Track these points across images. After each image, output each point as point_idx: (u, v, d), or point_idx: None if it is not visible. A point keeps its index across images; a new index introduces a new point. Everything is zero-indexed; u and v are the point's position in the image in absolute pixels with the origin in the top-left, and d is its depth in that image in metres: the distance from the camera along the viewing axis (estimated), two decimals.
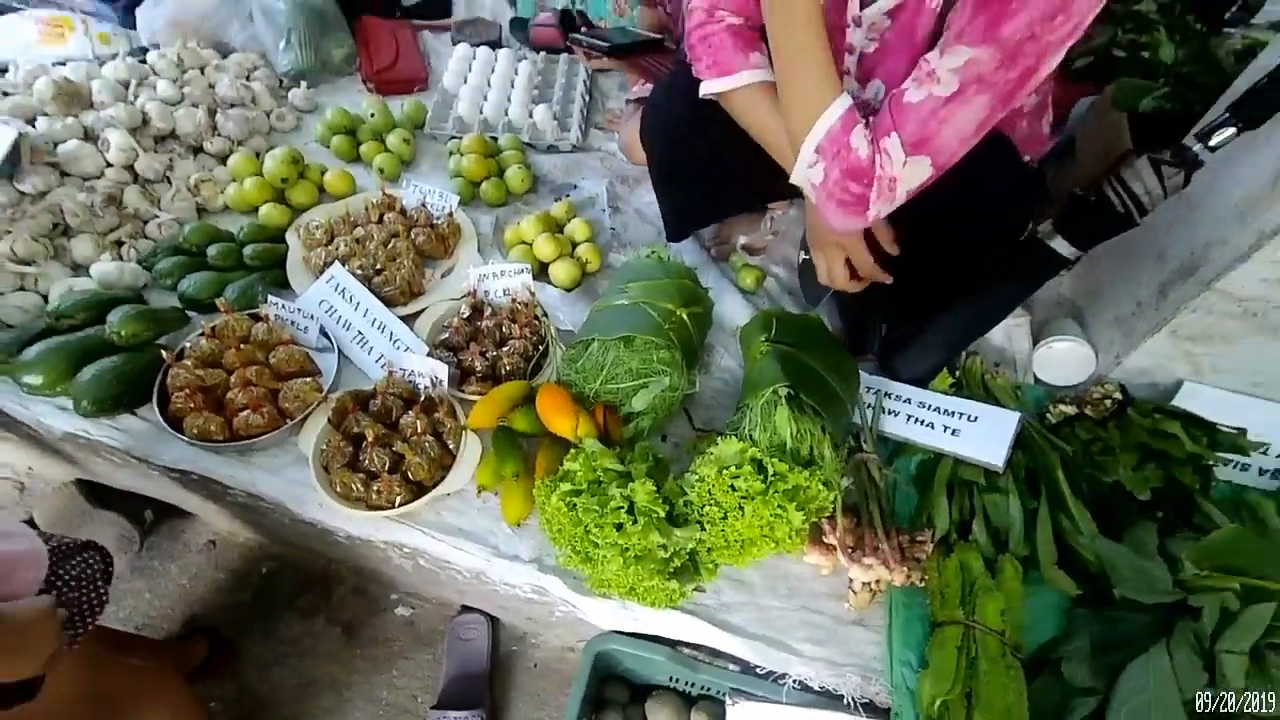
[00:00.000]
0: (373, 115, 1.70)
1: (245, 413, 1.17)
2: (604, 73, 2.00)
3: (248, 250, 1.41)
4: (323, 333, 1.31)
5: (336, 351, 1.29)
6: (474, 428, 1.19)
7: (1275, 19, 1.51)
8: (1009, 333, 1.33)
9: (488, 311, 1.35)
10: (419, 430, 1.16)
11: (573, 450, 1.07)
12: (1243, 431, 1.02)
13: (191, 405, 1.17)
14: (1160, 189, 0.96)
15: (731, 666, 1.14)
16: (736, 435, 1.09)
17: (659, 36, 1.30)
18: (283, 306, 1.31)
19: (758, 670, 1.04)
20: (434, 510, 1.15)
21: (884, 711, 0.99)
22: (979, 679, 0.90)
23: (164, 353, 1.18)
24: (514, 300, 1.37)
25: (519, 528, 1.13)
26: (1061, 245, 1.06)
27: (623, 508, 0.97)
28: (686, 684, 1.21)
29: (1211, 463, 1.03)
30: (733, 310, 1.44)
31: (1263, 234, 0.90)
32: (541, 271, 1.50)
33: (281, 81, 1.84)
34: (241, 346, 1.24)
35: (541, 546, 1.11)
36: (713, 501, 1.00)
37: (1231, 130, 0.90)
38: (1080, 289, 1.35)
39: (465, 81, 1.85)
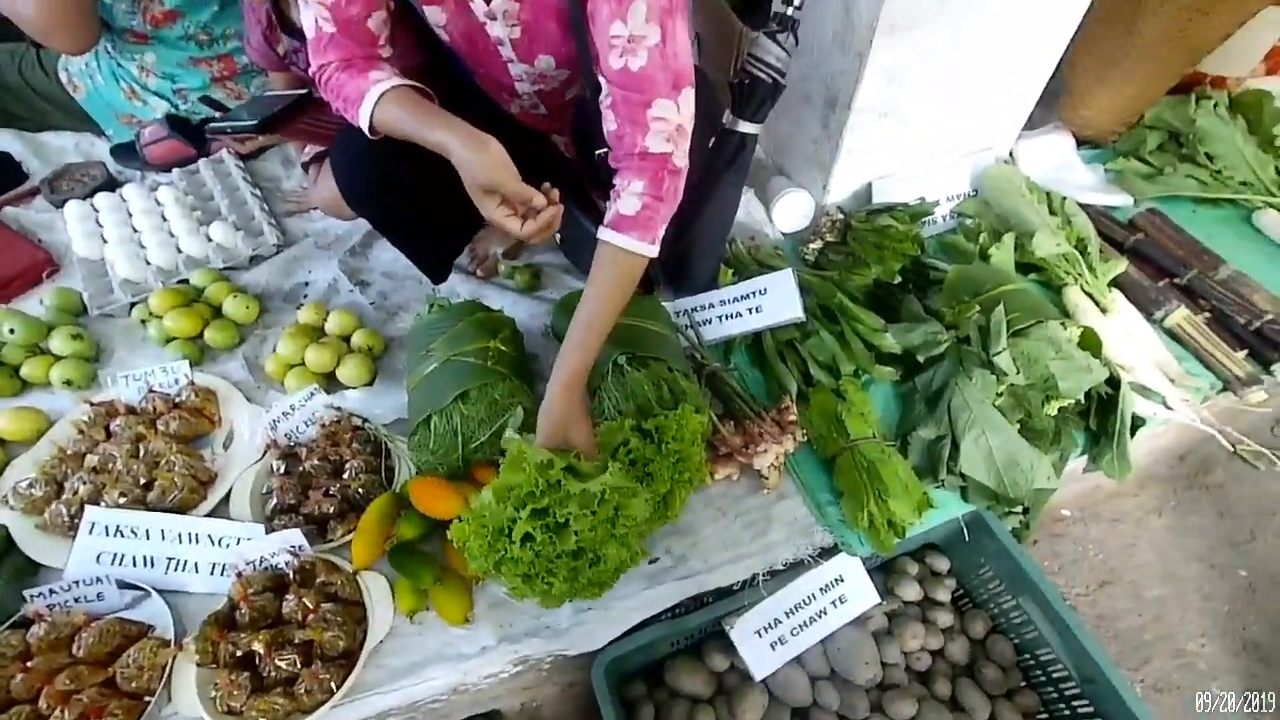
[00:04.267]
0: (11, 331, 1.36)
1: None
2: (255, 157, 1.80)
3: None
4: (122, 585, 1.09)
5: (155, 594, 1.08)
6: (364, 567, 1.10)
7: None
8: (744, 208, 1.54)
9: (303, 453, 1.22)
10: (311, 607, 1.04)
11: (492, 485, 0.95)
12: (923, 199, 1.34)
13: None
14: (784, 52, 1.17)
15: (710, 599, 1.24)
16: (605, 416, 1.15)
17: (304, 91, 1.21)
18: (50, 592, 1.05)
19: (734, 587, 1.15)
20: (377, 665, 1.06)
21: (834, 547, 1.16)
22: (877, 478, 1.10)
23: None
24: (323, 425, 1.25)
25: (469, 623, 1.09)
26: (746, 126, 1.25)
27: (610, 499, 0.92)
28: (686, 640, 1.29)
29: (919, 230, 1.34)
30: (531, 312, 1.46)
31: (860, 56, 1.16)
32: (329, 381, 1.37)
33: None
34: (28, 665, 0.99)
35: (500, 620, 1.09)
36: (618, 486, 1.06)
37: None
38: (772, 149, 1.60)
39: (105, 241, 1.55)
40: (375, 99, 0.93)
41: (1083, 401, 1.16)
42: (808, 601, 1.13)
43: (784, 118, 1.39)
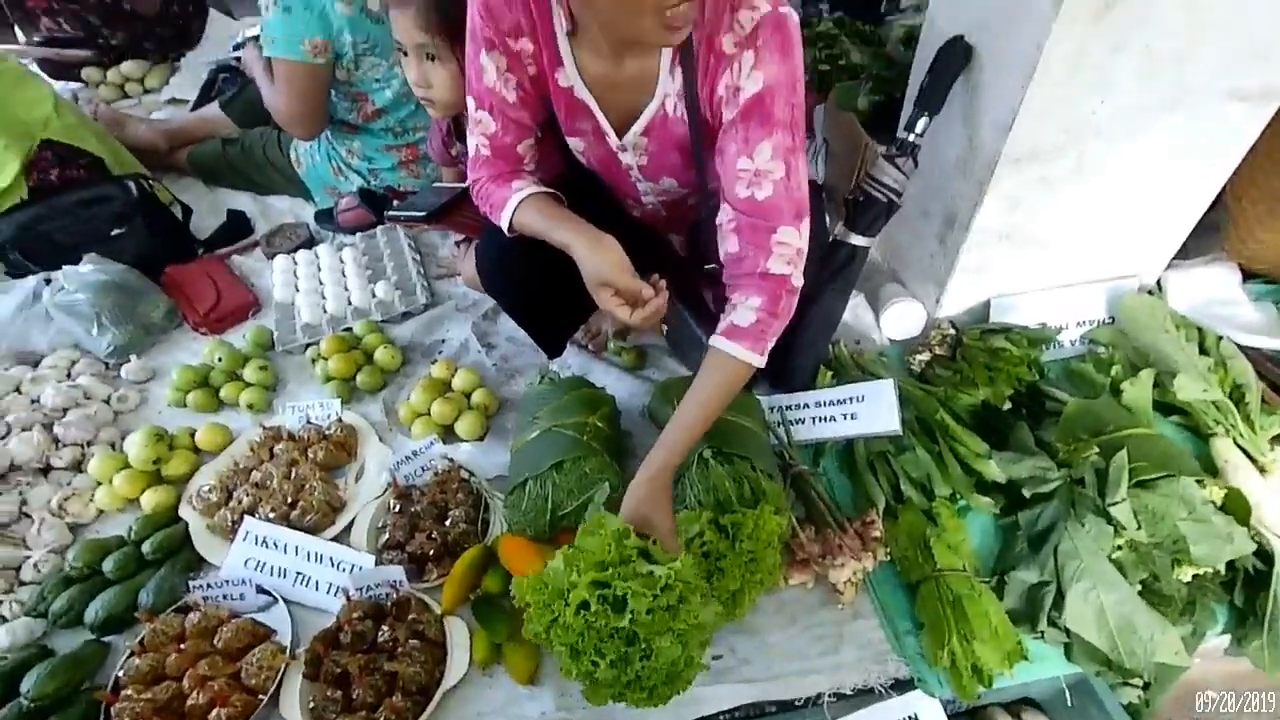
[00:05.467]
0: (219, 359, 1.68)
1: (214, 712, 1.10)
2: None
3: (146, 547, 1.33)
4: (260, 590, 1.27)
5: (282, 602, 1.25)
6: (451, 611, 1.20)
7: (914, 2, 1.93)
8: (853, 311, 1.54)
9: (416, 495, 1.37)
10: (401, 640, 1.15)
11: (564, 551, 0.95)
12: (1044, 326, 1.27)
13: None
14: (902, 175, 1.20)
15: (771, 708, 1.20)
16: (685, 505, 1.19)
17: (465, 185, 1.42)
18: (208, 586, 1.26)
19: (795, 703, 1.11)
20: (447, 707, 1.14)
21: (909, 681, 1.09)
22: (963, 616, 1.03)
23: (99, 694, 1.10)
24: (436, 473, 1.40)
25: (533, 685, 1.15)
26: (857, 239, 1.28)
27: (675, 587, 0.88)
28: None
29: (1037, 355, 1.27)
30: (632, 390, 1.55)
31: (981, 181, 1.16)
32: (447, 433, 1.53)
33: (107, 364, 1.76)
34: (182, 647, 1.17)
35: (562, 688, 1.13)
36: (686, 579, 1.08)
37: (925, 119, 1.15)
38: (888, 254, 1.60)
39: (297, 290, 1.87)
40: (514, 206, 1.09)
41: (1223, 572, 1.02)
42: None
43: (902, 227, 1.40)
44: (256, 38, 1.83)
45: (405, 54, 1.31)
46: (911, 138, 1.15)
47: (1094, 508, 1.03)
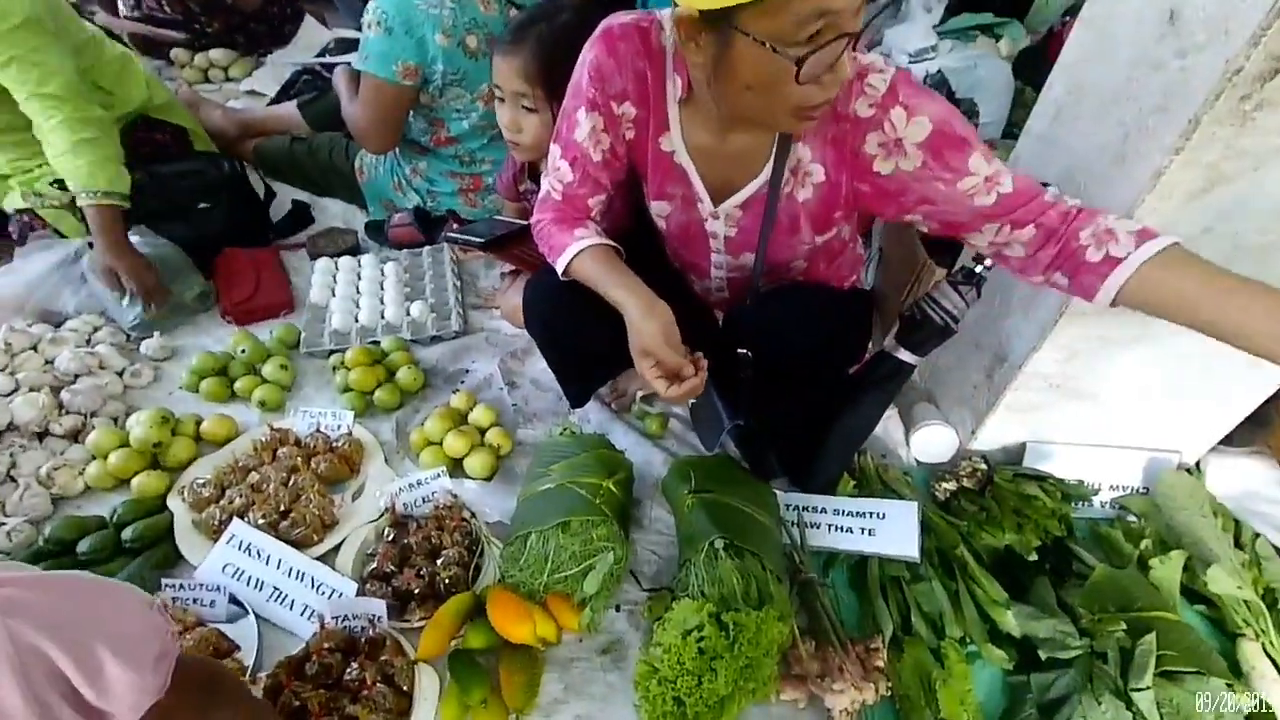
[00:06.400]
0: (243, 351, 1.66)
1: None
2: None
3: (126, 533, 1.28)
4: (232, 599, 1.21)
5: (253, 617, 1.20)
6: (426, 658, 1.14)
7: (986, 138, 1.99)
8: (883, 424, 1.52)
9: (412, 526, 1.32)
10: (368, 682, 1.09)
11: None
12: (1081, 482, 1.24)
13: None
14: (963, 303, 1.20)
15: None
16: (687, 594, 1.14)
17: (528, 223, 1.43)
18: (180, 586, 1.21)
19: None
20: None
21: None
22: None
23: None
24: (436, 507, 1.36)
25: None
26: (904, 355, 1.27)
27: None
28: None
29: (1070, 510, 1.24)
30: (648, 458, 1.52)
31: (1044, 326, 1.15)
32: (456, 466, 1.50)
33: (129, 336, 1.75)
34: None
35: None
36: (685, 671, 1.03)
37: None
38: (928, 375, 1.59)
39: (334, 294, 1.87)
40: (575, 253, 1.10)
41: None
42: None
43: (948, 352, 1.38)
44: (348, 64, 1.90)
45: (501, 100, 1.33)
46: (979, 269, 1.15)
47: (1114, 688, 0.98)
